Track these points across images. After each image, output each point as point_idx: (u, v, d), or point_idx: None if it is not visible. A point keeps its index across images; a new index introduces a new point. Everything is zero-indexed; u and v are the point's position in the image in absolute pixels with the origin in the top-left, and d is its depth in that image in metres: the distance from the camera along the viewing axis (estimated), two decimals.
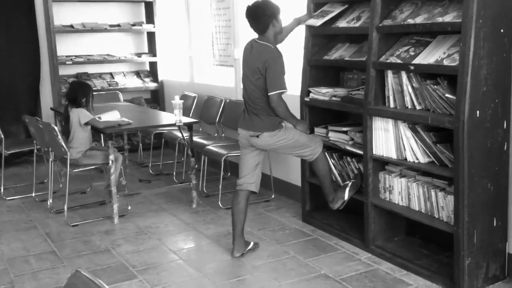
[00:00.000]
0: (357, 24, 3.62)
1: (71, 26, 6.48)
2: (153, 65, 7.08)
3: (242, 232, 3.60)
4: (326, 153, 3.75)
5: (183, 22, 6.35)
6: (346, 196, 3.61)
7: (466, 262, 2.97)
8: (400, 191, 3.40)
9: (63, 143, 4.30)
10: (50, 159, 4.66)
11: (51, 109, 6.12)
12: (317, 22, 3.76)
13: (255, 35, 3.51)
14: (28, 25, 6.27)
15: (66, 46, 6.54)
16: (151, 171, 5.82)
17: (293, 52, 4.52)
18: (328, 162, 3.74)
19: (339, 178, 3.88)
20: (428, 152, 3.19)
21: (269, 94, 3.34)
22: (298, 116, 4.11)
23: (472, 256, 2.98)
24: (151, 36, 7.01)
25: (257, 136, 3.46)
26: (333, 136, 3.83)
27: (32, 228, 4.31)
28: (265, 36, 3.43)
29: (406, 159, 3.30)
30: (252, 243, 3.69)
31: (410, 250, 3.51)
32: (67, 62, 6.43)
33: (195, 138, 5.04)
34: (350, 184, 3.63)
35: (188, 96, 5.96)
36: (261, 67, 3.34)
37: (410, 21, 3.19)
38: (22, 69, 6.27)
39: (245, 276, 3.36)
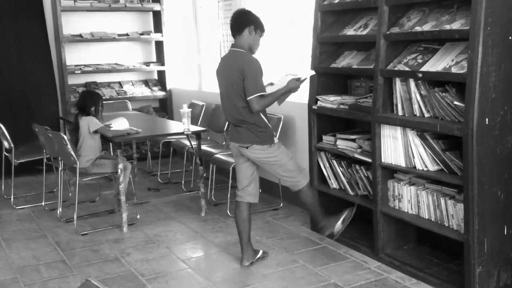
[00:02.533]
0: (365, 32, 3.62)
1: (80, 35, 6.53)
2: (161, 74, 7.11)
3: (249, 241, 3.60)
4: (311, 188, 3.66)
5: (191, 31, 6.38)
6: (335, 228, 3.58)
7: (477, 271, 2.95)
8: (410, 199, 3.39)
9: (72, 152, 4.32)
10: (60, 168, 4.68)
11: (60, 118, 6.16)
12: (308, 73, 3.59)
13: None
14: (40, 34, 6.32)
15: (75, 56, 6.58)
16: (159, 180, 5.83)
17: (300, 60, 4.54)
18: (313, 195, 3.64)
19: (347, 186, 3.87)
20: (437, 160, 3.18)
21: (248, 99, 3.29)
22: (306, 124, 4.12)
23: (483, 264, 2.96)
24: (159, 45, 7.05)
25: (246, 148, 3.43)
26: (342, 144, 3.83)
27: (42, 237, 4.33)
28: (239, 42, 3.41)
29: (415, 167, 3.28)
30: (261, 252, 3.68)
31: (420, 258, 3.49)
32: (76, 72, 6.47)
33: (203, 147, 5.05)
34: (342, 218, 3.61)
35: (196, 105, 5.97)
36: (239, 74, 3.32)
37: (418, 28, 3.19)
38: (35, 78, 6.31)
39: (254, 285, 3.36)
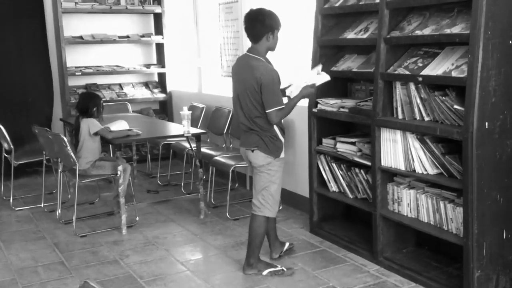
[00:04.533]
0: (365, 36, 3.62)
1: (81, 37, 6.54)
2: (161, 76, 7.12)
3: (276, 237, 3.72)
4: (266, 226, 3.49)
5: (192, 33, 6.39)
6: (264, 273, 3.47)
7: (476, 275, 2.94)
8: (409, 203, 3.39)
9: (72, 154, 4.32)
10: (59, 170, 4.68)
11: (61, 119, 6.16)
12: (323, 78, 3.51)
13: None
14: (40, 35, 6.33)
15: (76, 57, 6.59)
16: (159, 182, 5.83)
17: (300, 63, 4.54)
18: (264, 232, 3.48)
19: (347, 190, 3.87)
20: (436, 163, 3.18)
21: (266, 111, 3.26)
22: (305, 127, 4.13)
23: (482, 268, 2.96)
24: (159, 47, 7.05)
25: (252, 151, 3.37)
26: (341, 147, 3.83)
27: (40, 238, 4.32)
28: (257, 48, 3.34)
29: (414, 170, 3.28)
30: (287, 244, 3.80)
31: (419, 262, 3.48)
32: (76, 73, 6.47)
33: (203, 149, 5.05)
34: (275, 269, 3.49)
35: (196, 107, 5.98)
36: (255, 85, 3.24)
37: (418, 32, 3.20)
38: (35, 79, 6.33)
39: None
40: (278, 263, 3.59)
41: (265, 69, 3.26)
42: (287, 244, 3.80)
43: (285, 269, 3.50)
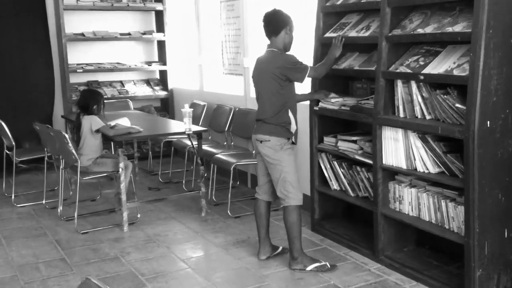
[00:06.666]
0: (367, 34, 3.62)
1: (82, 34, 6.54)
2: (163, 73, 7.12)
3: (266, 236, 3.68)
4: (300, 216, 3.52)
5: (193, 31, 6.38)
6: (308, 268, 3.48)
7: (477, 274, 2.94)
8: (410, 201, 3.39)
9: (73, 151, 4.33)
10: (61, 167, 4.68)
11: (62, 116, 6.17)
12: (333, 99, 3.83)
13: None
14: (42, 32, 6.34)
15: (77, 54, 6.59)
16: (160, 179, 5.84)
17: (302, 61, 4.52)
18: (299, 220, 3.50)
19: (348, 188, 3.87)
20: (438, 162, 3.18)
21: (308, 77, 3.51)
22: (307, 125, 4.12)
23: (483, 267, 2.96)
24: (161, 44, 7.05)
25: (260, 142, 3.48)
26: (343, 145, 3.83)
27: (42, 235, 4.33)
28: (276, 42, 3.49)
29: (416, 169, 3.28)
30: (280, 248, 3.74)
31: (420, 260, 3.48)
32: (77, 70, 6.47)
33: (205, 147, 5.06)
34: (320, 264, 3.49)
35: (198, 105, 5.98)
36: (277, 73, 3.39)
37: (420, 30, 3.19)
38: (37, 76, 6.33)
39: (253, 285, 3.36)
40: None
41: (284, 55, 3.48)
42: (280, 248, 3.76)
43: (328, 265, 3.50)
